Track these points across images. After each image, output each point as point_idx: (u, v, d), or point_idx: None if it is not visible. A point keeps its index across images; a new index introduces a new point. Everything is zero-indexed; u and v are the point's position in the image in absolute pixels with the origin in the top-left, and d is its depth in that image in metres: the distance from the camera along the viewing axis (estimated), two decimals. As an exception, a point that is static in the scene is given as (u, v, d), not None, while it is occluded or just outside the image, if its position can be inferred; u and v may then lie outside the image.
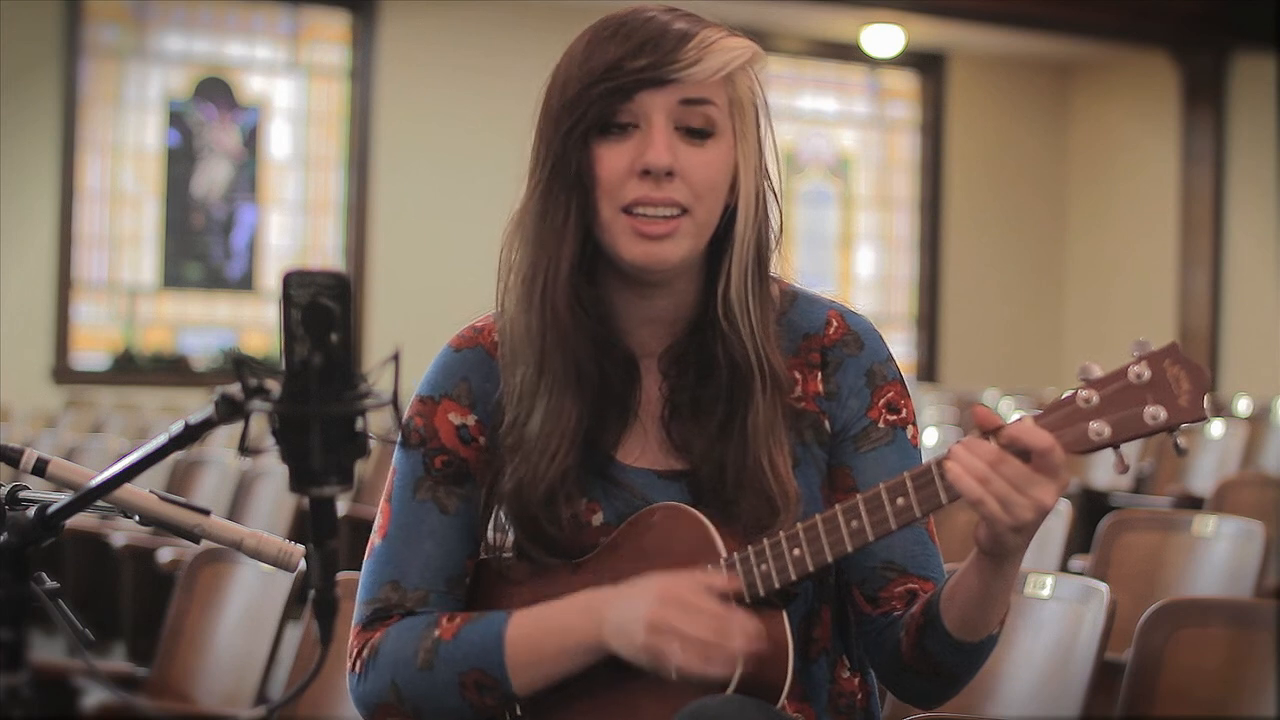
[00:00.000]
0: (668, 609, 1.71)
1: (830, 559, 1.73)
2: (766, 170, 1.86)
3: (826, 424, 1.87)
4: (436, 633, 1.82)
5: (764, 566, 1.74)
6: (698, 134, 1.80)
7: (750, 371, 1.81)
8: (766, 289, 1.85)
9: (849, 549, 1.72)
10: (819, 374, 1.88)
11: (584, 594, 1.79)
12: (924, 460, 1.76)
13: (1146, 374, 1.65)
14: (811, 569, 1.74)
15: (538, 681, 1.79)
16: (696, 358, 1.84)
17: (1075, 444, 1.65)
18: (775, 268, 1.89)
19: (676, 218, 1.79)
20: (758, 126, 1.85)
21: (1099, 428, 1.65)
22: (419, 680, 1.82)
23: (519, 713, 1.84)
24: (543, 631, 1.79)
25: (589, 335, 1.82)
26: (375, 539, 1.89)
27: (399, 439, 1.86)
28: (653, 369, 1.87)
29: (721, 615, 1.70)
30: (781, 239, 1.88)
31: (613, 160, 1.79)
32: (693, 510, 1.79)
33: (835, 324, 1.89)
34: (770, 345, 1.83)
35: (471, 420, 1.88)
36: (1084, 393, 1.66)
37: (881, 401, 1.88)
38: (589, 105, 1.78)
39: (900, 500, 1.70)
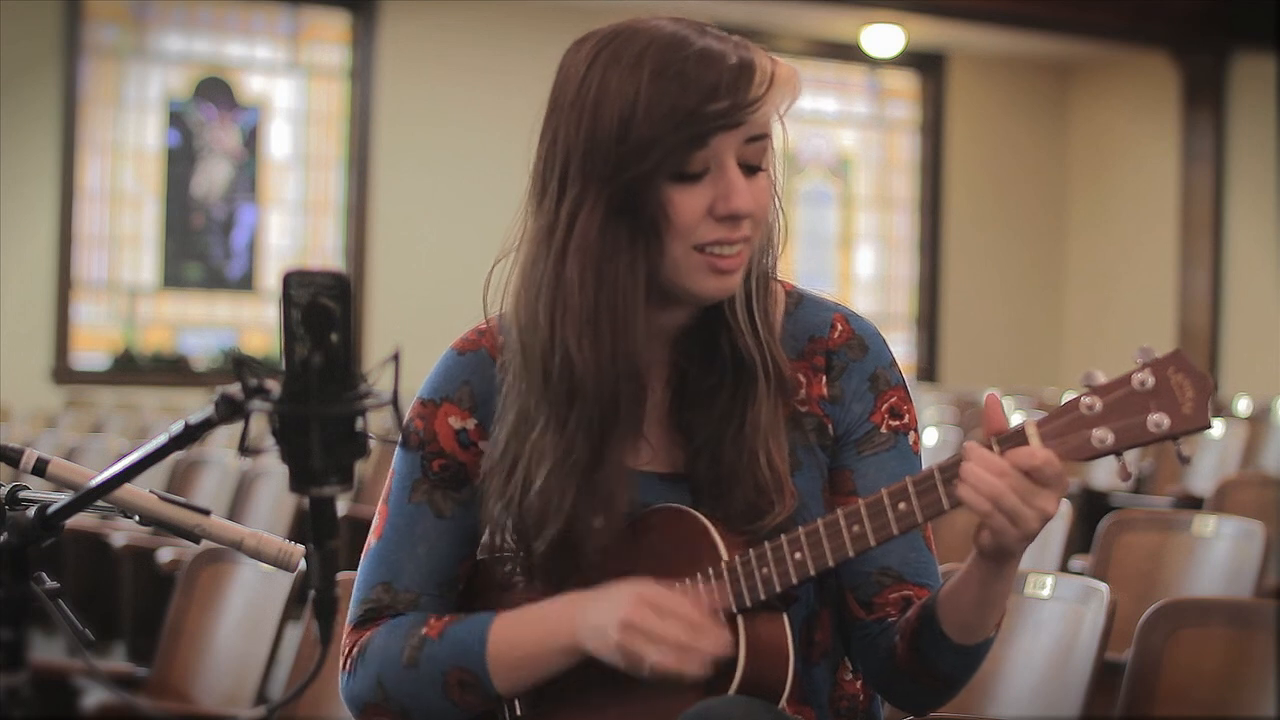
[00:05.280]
0: (642, 610, 1.71)
1: (831, 563, 1.73)
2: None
3: (829, 427, 1.87)
4: (424, 631, 1.83)
5: (765, 570, 1.74)
6: (755, 168, 1.79)
7: (755, 369, 1.81)
8: (770, 287, 1.86)
9: (850, 553, 1.72)
10: (823, 377, 1.87)
11: (565, 596, 1.79)
12: (924, 466, 1.76)
13: (1150, 381, 1.64)
14: (813, 573, 1.74)
15: (518, 682, 1.79)
16: (703, 344, 1.84)
17: (1078, 451, 1.65)
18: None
19: (744, 248, 1.79)
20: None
21: (1102, 435, 1.65)
22: (404, 678, 1.82)
23: (518, 712, 1.85)
24: (523, 631, 1.79)
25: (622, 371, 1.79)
26: (371, 539, 1.90)
27: (399, 440, 1.86)
28: (656, 369, 1.87)
29: (695, 619, 1.71)
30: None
31: (690, 204, 1.74)
32: (695, 513, 1.79)
33: (840, 327, 1.89)
34: (775, 346, 1.83)
35: (472, 424, 1.88)
36: (1087, 399, 1.66)
37: (884, 406, 1.88)
38: (666, 153, 1.72)
39: (902, 505, 1.70)
